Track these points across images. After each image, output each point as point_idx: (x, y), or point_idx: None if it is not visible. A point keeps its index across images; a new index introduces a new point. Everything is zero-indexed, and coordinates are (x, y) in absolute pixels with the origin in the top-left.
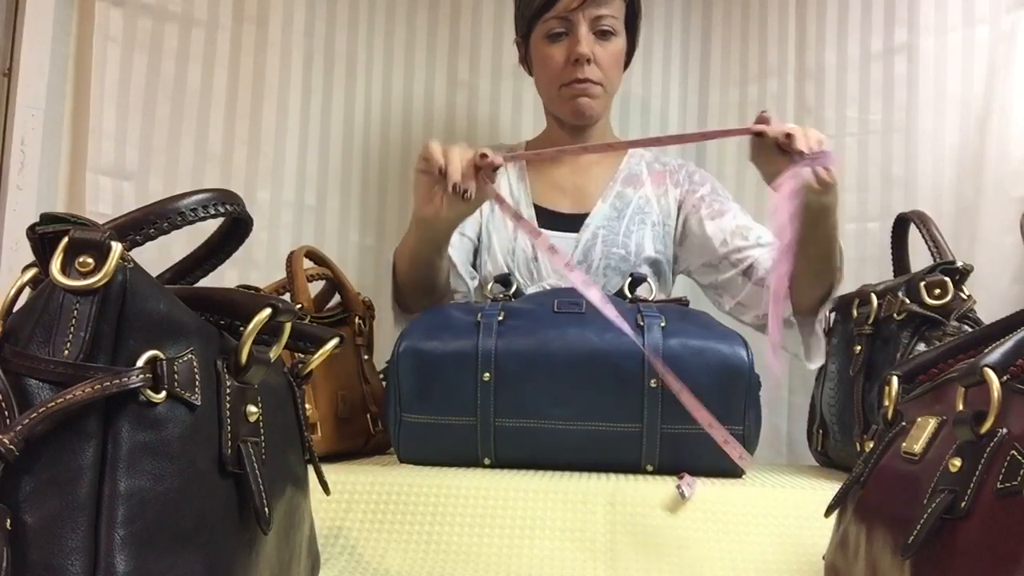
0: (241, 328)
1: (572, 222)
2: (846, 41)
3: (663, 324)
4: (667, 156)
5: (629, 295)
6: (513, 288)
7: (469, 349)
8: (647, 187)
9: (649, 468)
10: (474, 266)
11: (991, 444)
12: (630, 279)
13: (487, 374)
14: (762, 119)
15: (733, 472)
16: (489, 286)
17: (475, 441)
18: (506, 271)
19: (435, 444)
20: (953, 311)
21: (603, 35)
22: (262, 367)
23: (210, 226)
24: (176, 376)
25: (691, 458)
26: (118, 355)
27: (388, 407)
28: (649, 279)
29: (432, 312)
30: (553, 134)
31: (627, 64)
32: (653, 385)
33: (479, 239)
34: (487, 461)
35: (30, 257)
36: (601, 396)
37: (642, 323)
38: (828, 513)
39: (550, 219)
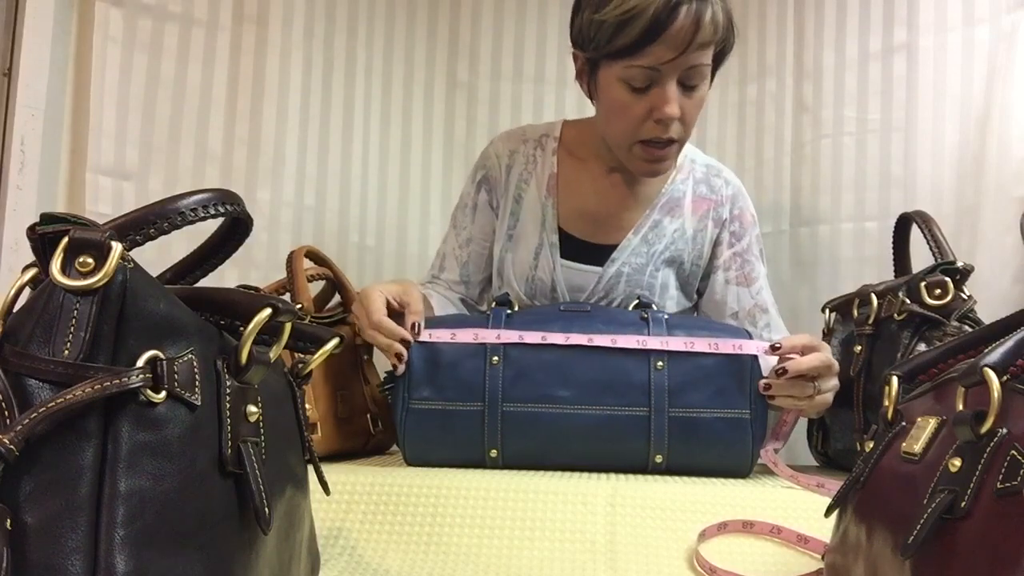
0: (241, 328)
1: (597, 254)
2: (844, 40)
3: (666, 318)
4: (719, 179)
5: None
6: (515, 308)
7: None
8: (686, 216)
9: (658, 459)
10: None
11: (991, 444)
12: (636, 302)
13: (496, 358)
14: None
15: (739, 470)
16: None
17: (482, 429)
18: (522, 298)
19: (441, 433)
20: (953, 311)
21: (689, 88)
22: (262, 367)
23: (210, 226)
24: (176, 376)
25: (701, 447)
26: (118, 355)
27: (395, 396)
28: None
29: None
30: (597, 137)
31: None
32: (659, 366)
33: (490, 254)
34: (493, 453)
35: (30, 257)
36: (608, 376)
37: (646, 316)
38: (828, 513)
39: (574, 248)
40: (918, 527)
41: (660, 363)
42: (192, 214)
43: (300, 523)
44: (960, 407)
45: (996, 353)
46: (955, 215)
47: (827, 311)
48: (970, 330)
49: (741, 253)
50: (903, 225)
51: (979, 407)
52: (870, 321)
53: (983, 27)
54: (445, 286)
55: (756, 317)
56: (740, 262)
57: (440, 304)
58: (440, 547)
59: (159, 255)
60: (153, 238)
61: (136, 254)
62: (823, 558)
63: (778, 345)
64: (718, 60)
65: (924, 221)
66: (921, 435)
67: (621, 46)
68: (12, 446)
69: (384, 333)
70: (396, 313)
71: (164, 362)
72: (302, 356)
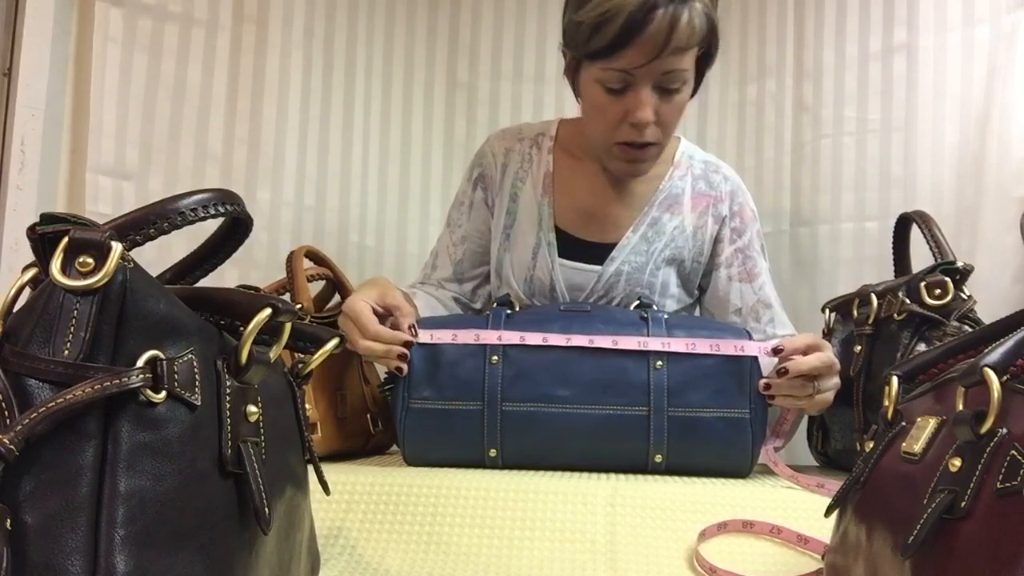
0: (241, 328)
1: (596, 253)
2: (844, 40)
3: (666, 317)
4: (717, 175)
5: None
6: (516, 309)
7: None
8: (685, 213)
9: (658, 459)
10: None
11: (991, 444)
12: (637, 302)
13: (495, 357)
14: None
15: (739, 470)
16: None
17: (481, 428)
18: (522, 297)
19: (441, 433)
20: (953, 311)
21: (668, 92)
22: (262, 367)
23: (210, 226)
24: (176, 376)
25: (701, 447)
26: (118, 355)
27: (395, 396)
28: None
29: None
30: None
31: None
32: (659, 366)
33: (484, 252)
34: (492, 453)
35: (30, 257)
36: (608, 376)
37: (646, 315)
38: (828, 513)
39: (571, 247)
40: (918, 527)
41: (660, 363)
42: (192, 214)
43: (300, 523)
44: (960, 407)
45: (996, 353)
46: (955, 215)
47: (827, 311)
48: (970, 330)
49: (743, 249)
50: (903, 225)
51: (979, 407)
52: (870, 321)
53: (983, 27)
54: (436, 285)
55: (759, 313)
56: (742, 258)
57: (426, 304)
58: (440, 547)
59: (159, 255)
60: (153, 238)
61: (136, 254)
62: (823, 558)
63: (780, 347)
64: (702, 64)
65: (924, 221)
66: (921, 435)
67: (597, 48)
68: (12, 446)
69: (385, 341)
70: (382, 317)
71: (164, 362)
72: (302, 356)
